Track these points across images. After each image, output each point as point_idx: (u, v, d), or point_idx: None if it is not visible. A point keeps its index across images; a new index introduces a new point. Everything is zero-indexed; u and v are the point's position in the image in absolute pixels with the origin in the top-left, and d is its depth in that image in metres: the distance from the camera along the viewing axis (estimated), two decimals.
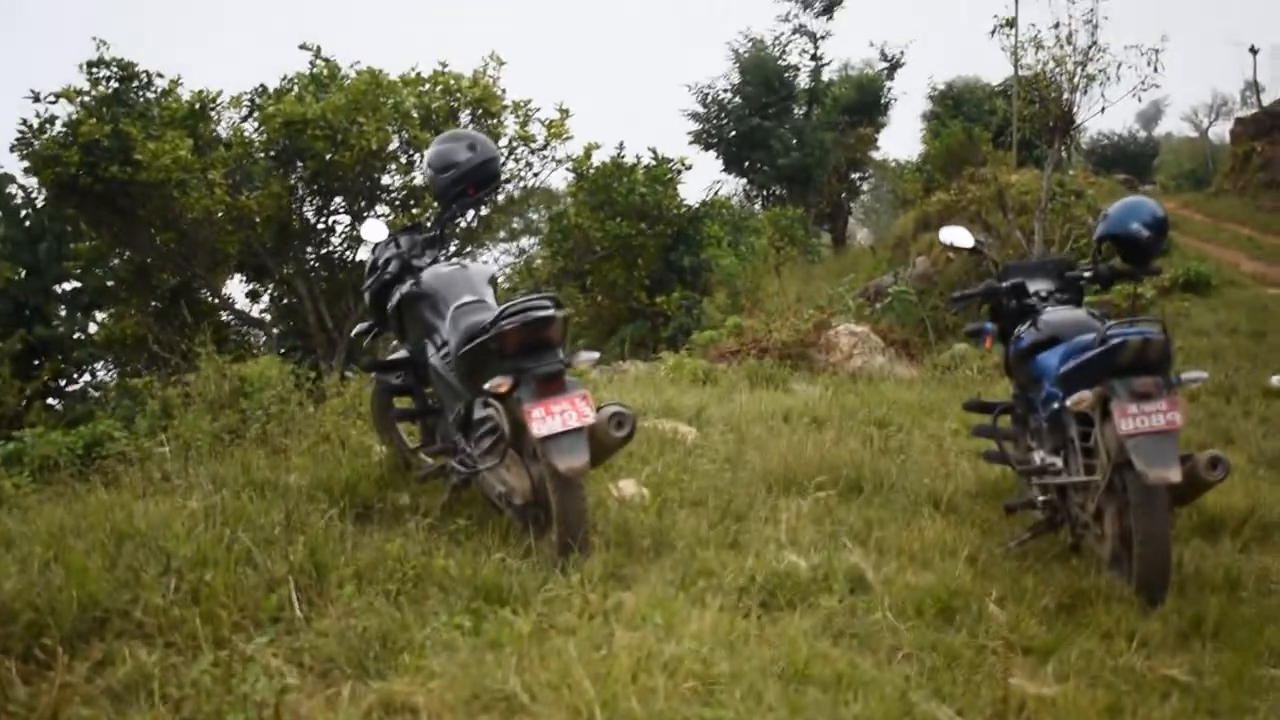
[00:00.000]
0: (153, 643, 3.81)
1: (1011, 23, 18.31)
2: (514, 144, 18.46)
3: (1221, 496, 6.03)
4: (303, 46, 17.98)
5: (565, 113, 18.69)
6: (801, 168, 31.42)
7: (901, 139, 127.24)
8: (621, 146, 20.07)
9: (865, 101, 34.56)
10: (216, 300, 19.09)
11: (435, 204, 6.29)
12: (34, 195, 18.29)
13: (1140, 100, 16.57)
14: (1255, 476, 7.33)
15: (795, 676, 3.70)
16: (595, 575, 4.47)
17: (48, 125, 16.38)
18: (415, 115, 17.43)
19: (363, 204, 17.94)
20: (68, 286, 18.65)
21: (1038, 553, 5.43)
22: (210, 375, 8.03)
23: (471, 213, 15.85)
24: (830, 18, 34.37)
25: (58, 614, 3.82)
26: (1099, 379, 4.93)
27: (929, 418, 8.77)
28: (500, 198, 18.76)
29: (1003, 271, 6.33)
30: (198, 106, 17.24)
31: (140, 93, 17.18)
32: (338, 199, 18.01)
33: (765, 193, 33.39)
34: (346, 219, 18.24)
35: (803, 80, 34.63)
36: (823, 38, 34.76)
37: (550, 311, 4.99)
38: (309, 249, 18.38)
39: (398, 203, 18.11)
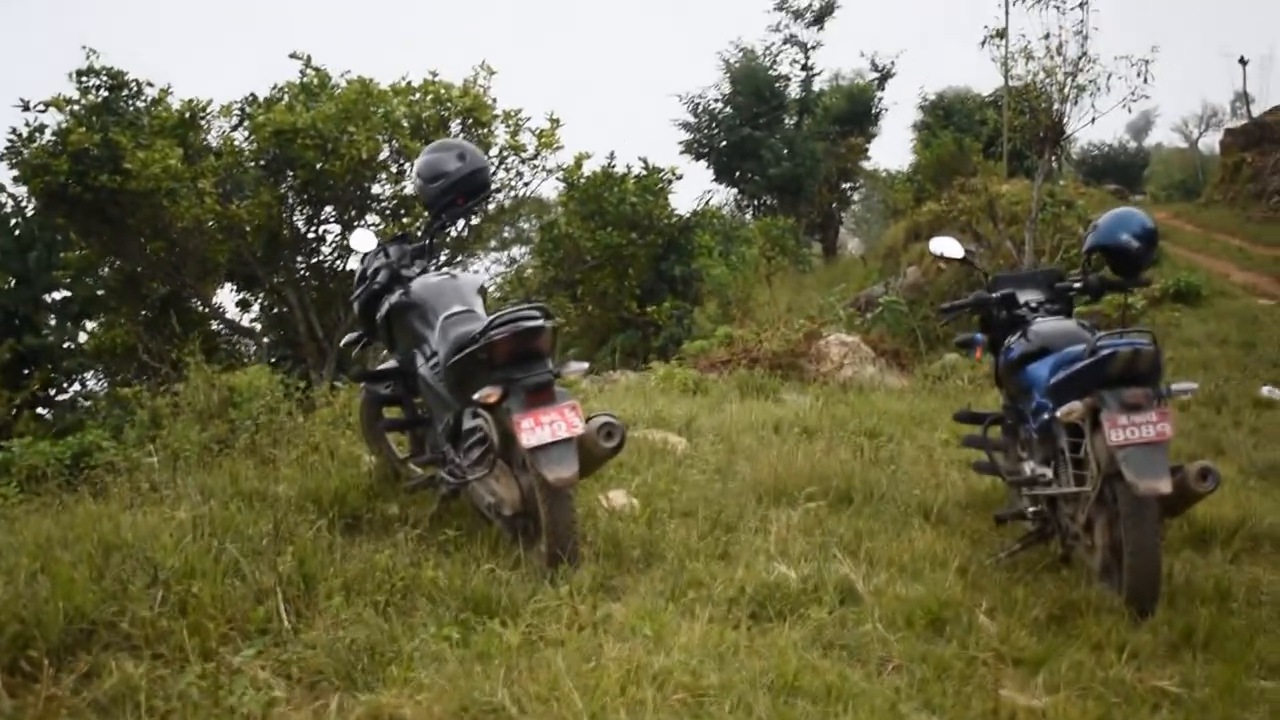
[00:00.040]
0: (140, 655, 3.79)
1: (1002, 33, 18.33)
2: (504, 153, 18.51)
3: (1212, 507, 6.02)
4: (293, 56, 18.06)
5: (556, 122, 18.75)
6: (792, 177, 31.46)
7: (892, 149, 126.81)
8: (612, 156, 20.14)
9: (856, 111, 34.62)
10: (207, 309, 19.09)
11: (425, 213, 6.27)
12: (23, 204, 18.31)
13: (1130, 111, 16.73)
14: (1246, 487, 7.34)
15: (785, 688, 3.69)
16: (584, 586, 4.47)
17: (37, 134, 16.40)
18: (406, 124, 17.46)
19: (353, 213, 17.95)
20: (57, 295, 18.66)
21: (1028, 564, 5.43)
22: (199, 385, 8.01)
23: (462, 222, 15.81)
24: (821, 28, 34.52)
25: (44, 626, 3.79)
26: (1089, 390, 4.92)
27: (919, 428, 8.77)
28: (491, 207, 18.78)
29: (993, 282, 6.33)
30: (188, 115, 17.23)
31: (130, 101, 17.18)
32: (328, 208, 18.02)
33: (756, 202, 33.43)
34: (337, 228, 18.28)
35: (794, 90, 34.76)
36: (813, 48, 34.92)
37: (539, 322, 4.98)
38: (299, 258, 18.39)
39: (388, 212, 18.12)
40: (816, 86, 35.38)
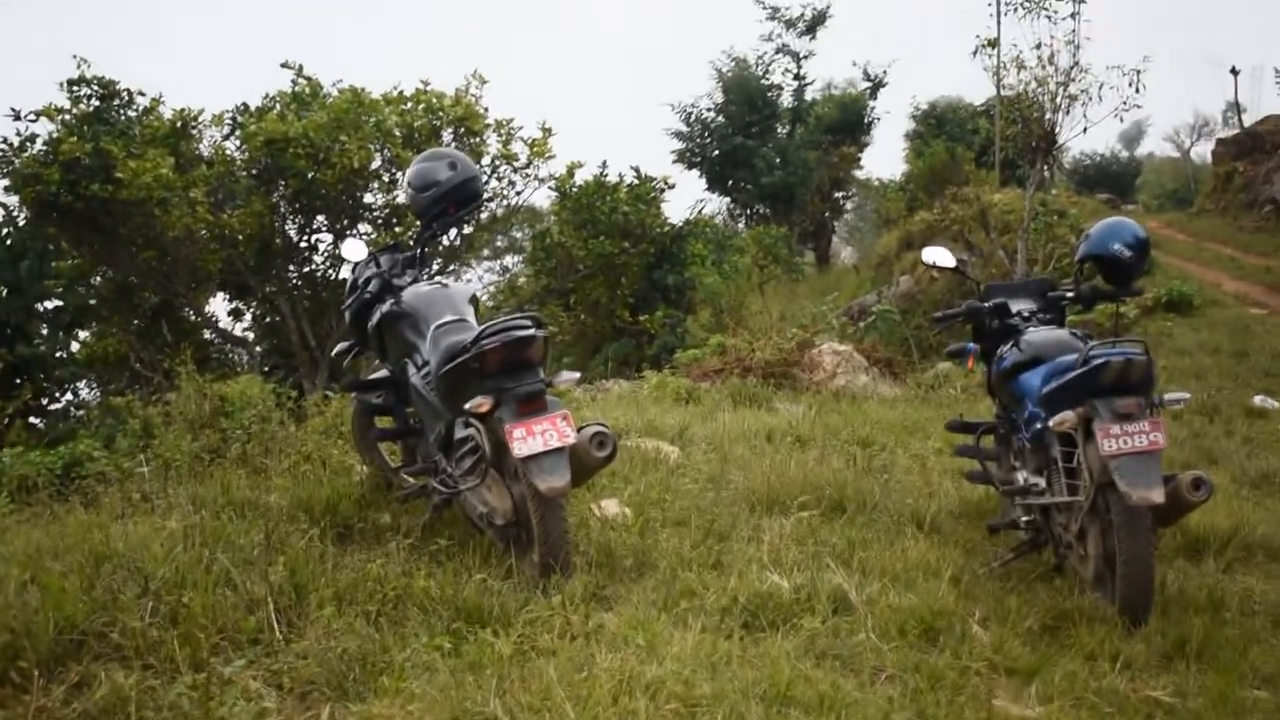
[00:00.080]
0: (130, 665, 3.77)
1: (994, 43, 18.38)
2: (496, 162, 18.53)
3: (1205, 517, 6.03)
4: (285, 65, 18.09)
5: (548, 131, 18.77)
6: (785, 186, 31.55)
7: (884, 158, 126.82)
8: (605, 165, 20.17)
9: (848, 121, 34.74)
10: (199, 319, 19.05)
11: (417, 222, 6.27)
12: (15, 213, 18.25)
13: (1122, 120, 16.63)
14: (1239, 496, 7.34)
15: (778, 698, 3.68)
16: (577, 596, 4.46)
17: (28, 143, 16.37)
18: (397, 134, 17.47)
19: (345, 222, 17.96)
20: (49, 305, 18.60)
21: (1021, 573, 5.42)
22: (191, 394, 7.98)
23: (454, 231, 15.85)
24: (813, 37, 34.70)
25: (34, 636, 3.77)
26: (1082, 399, 4.92)
27: (912, 437, 8.76)
28: (483, 216, 18.78)
29: (985, 291, 6.33)
30: (179, 125, 17.25)
31: (121, 111, 17.16)
32: (320, 217, 18.04)
33: (749, 211, 33.54)
34: (329, 237, 18.27)
35: (786, 99, 34.89)
36: (806, 57, 35.07)
37: (531, 331, 4.97)
38: (291, 267, 18.37)
39: (380, 221, 18.13)
40: (809, 96, 35.61)
